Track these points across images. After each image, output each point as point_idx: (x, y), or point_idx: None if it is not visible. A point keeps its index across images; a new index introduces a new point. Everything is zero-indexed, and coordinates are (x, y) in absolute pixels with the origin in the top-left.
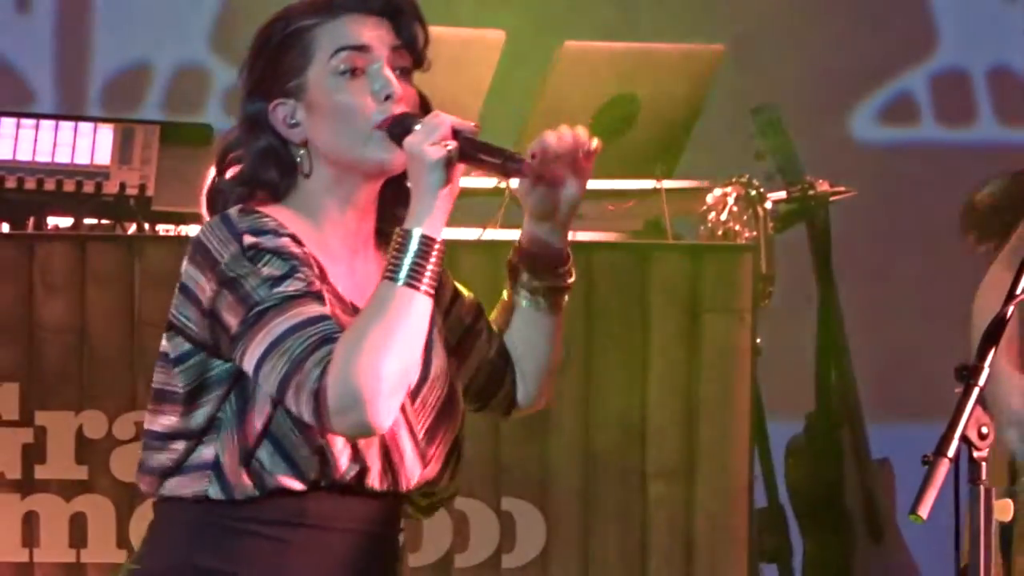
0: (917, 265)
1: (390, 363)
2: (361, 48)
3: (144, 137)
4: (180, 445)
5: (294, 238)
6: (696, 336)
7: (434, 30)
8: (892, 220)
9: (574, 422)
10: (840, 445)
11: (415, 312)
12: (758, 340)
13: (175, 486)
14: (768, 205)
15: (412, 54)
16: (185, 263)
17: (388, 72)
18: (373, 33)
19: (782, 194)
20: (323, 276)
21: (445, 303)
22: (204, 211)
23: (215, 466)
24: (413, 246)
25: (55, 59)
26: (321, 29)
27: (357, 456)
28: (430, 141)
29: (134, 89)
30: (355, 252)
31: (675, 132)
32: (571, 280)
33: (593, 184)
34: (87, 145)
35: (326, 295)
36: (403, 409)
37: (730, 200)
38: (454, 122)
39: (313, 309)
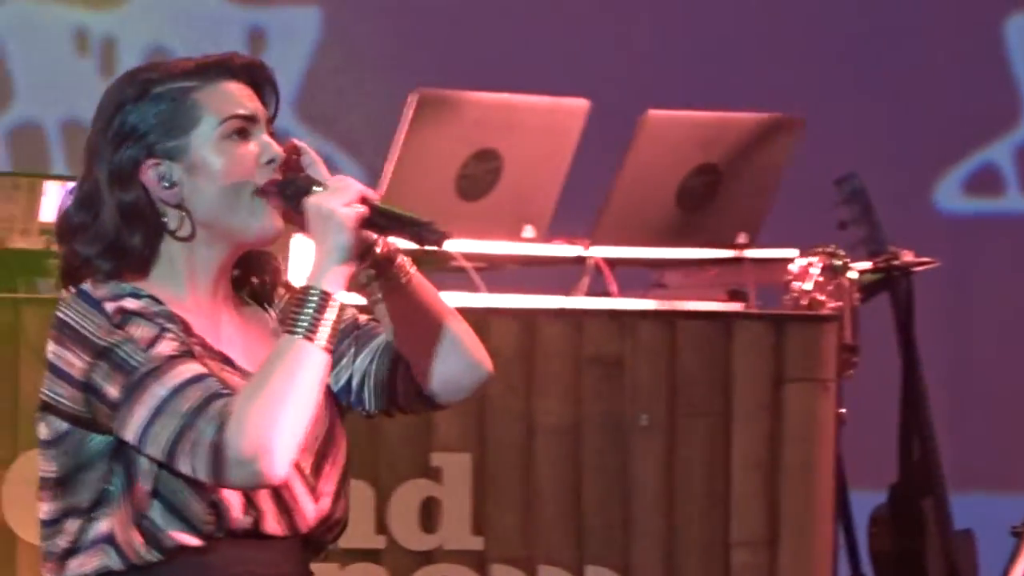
0: (1000, 336)
1: (288, 415)
2: (250, 117)
3: None
4: (73, 525)
5: (153, 298)
6: (779, 405)
7: (519, 98)
8: (976, 291)
9: (658, 490)
10: (923, 516)
11: (313, 366)
12: (842, 410)
13: (76, 567)
14: (852, 275)
15: (273, 123)
16: (50, 344)
17: (269, 139)
18: (253, 103)
19: (866, 264)
20: (188, 330)
21: None
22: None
23: (110, 538)
24: (314, 302)
25: None
26: (202, 93)
27: (250, 503)
28: (343, 202)
29: None
30: (217, 308)
31: (758, 201)
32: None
33: (677, 253)
34: None
35: (196, 350)
36: None
37: (814, 270)
38: (362, 188)
39: (192, 368)
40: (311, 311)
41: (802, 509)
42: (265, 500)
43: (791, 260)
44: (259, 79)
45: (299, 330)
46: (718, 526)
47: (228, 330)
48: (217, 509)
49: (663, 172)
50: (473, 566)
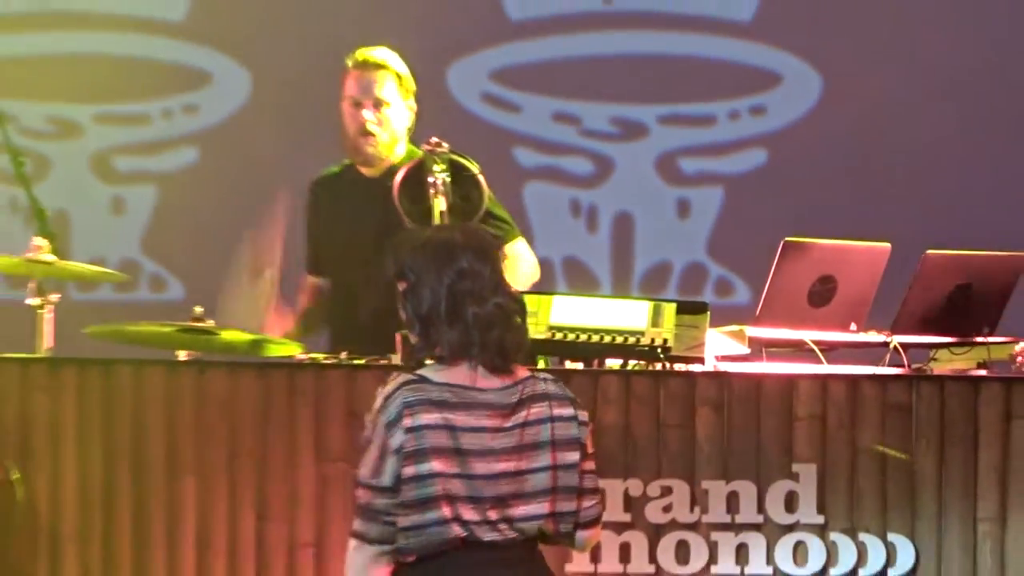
0: None
1: None
2: None
3: (667, 310)
4: None
5: None
6: None
7: (848, 243)
8: None
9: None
10: None
11: None
12: None
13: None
14: None
15: None
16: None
17: None
18: None
19: None
20: None
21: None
22: None
23: None
24: None
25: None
26: None
27: None
28: None
29: (660, 277)
30: None
31: (999, 307)
32: None
33: (943, 340)
34: (631, 314)
35: None
36: None
37: None
38: None
39: None
40: None
41: None
42: None
43: (1018, 341)
44: None
45: None
46: None
47: None
48: None
49: (936, 292)
50: None
